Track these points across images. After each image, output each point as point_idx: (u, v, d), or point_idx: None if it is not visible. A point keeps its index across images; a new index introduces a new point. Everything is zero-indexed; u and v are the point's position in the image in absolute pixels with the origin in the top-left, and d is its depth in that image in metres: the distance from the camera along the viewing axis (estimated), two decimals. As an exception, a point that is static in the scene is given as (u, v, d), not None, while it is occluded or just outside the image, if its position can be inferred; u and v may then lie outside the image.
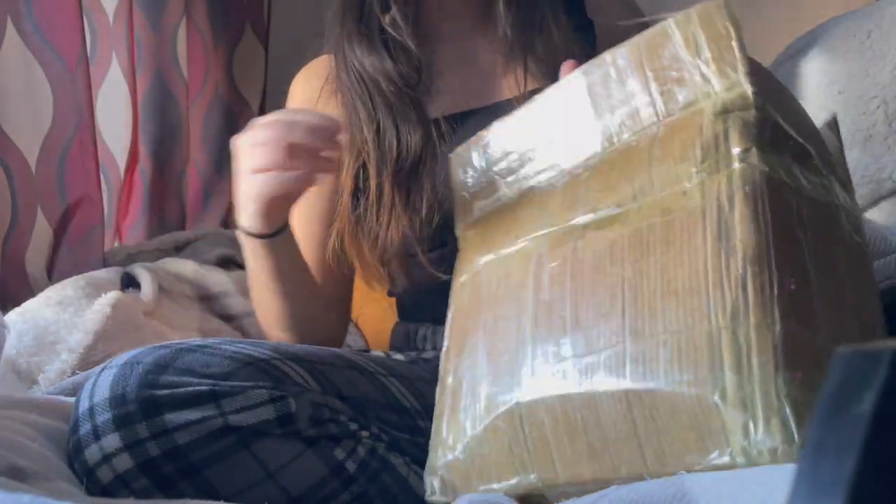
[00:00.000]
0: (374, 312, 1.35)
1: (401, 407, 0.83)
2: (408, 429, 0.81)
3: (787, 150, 0.58)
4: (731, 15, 0.59)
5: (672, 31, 0.61)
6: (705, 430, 0.51)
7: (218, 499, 0.68)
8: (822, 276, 0.55)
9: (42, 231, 1.20)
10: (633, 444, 0.55)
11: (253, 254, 0.89)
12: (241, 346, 0.75)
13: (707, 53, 0.59)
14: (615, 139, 0.65)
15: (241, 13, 1.68)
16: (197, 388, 0.68)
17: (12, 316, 0.99)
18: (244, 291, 1.26)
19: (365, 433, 0.78)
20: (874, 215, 1.21)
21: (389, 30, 0.97)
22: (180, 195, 1.55)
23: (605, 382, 0.56)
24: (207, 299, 1.23)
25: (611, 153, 0.65)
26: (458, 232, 0.79)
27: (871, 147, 1.17)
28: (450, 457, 0.67)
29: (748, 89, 0.58)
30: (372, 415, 0.79)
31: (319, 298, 0.98)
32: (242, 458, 0.69)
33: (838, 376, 0.32)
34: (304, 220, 0.98)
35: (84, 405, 0.68)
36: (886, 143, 1.15)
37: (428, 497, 0.70)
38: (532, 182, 0.71)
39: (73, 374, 0.90)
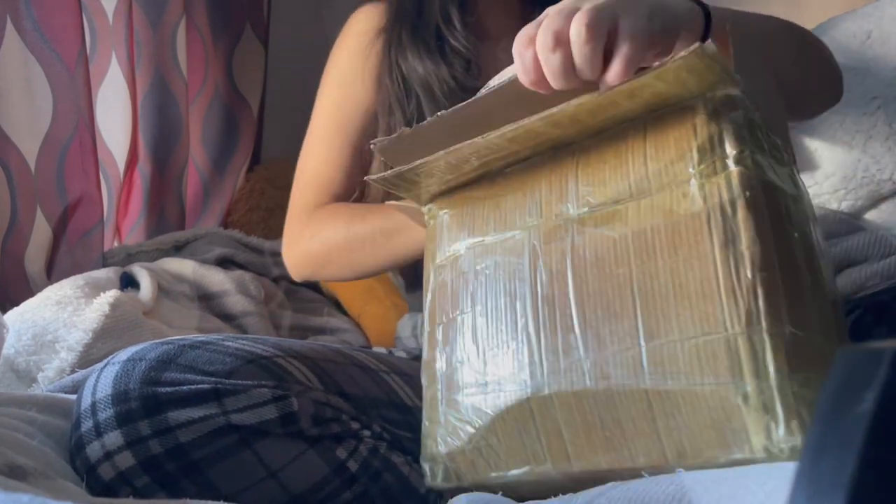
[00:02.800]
0: (377, 311, 1.35)
1: (402, 405, 0.82)
2: (409, 427, 0.81)
3: (766, 148, 0.61)
4: (710, 54, 0.58)
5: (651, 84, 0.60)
6: (727, 429, 0.54)
7: (219, 497, 0.68)
8: (809, 274, 0.59)
9: (41, 231, 1.20)
10: (653, 438, 0.57)
11: (413, 231, 0.94)
12: (243, 342, 0.75)
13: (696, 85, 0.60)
14: (599, 134, 0.65)
15: (241, 13, 1.68)
16: (199, 385, 0.68)
17: (11, 315, 0.99)
18: (243, 291, 1.26)
19: (367, 432, 0.78)
20: (874, 216, 1.21)
21: (447, 34, 0.99)
22: (180, 195, 1.55)
23: (623, 382, 0.58)
24: (207, 299, 1.23)
25: (595, 141, 0.65)
26: (425, 210, 0.76)
27: (871, 148, 1.17)
28: (454, 445, 0.68)
29: (736, 92, 0.60)
30: (374, 413, 0.79)
31: None
32: (244, 456, 0.69)
33: (839, 376, 0.32)
34: (336, 148, 1.06)
35: (86, 401, 0.68)
36: (887, 144, 1.15)
37: (429, 483, 0.70)
38: (507, 171, 0.71)
39: (73, 372, 0.90)
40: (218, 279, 1.25)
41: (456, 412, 0.68)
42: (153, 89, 1.48)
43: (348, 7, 1.80)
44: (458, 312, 0.70)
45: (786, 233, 0.59)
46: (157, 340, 0.72)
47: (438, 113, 0.70)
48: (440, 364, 0.70)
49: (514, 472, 0.65)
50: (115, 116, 1.42)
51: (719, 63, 0.58)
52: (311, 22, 1.95)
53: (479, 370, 0.66)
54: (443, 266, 0.73)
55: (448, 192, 0.75)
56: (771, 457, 0.52)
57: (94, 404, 0.67)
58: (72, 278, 1.07)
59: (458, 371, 0.68)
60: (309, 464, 0.73)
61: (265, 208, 1.59)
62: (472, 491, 0.68)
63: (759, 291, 0.55)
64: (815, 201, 1.22)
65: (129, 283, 1.17)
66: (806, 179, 1.23)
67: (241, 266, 1.37)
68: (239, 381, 0.70)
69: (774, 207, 0.58)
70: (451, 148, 0.69)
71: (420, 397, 0.83)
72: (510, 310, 0.66)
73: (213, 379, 0.69)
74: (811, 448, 0.31)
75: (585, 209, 0.64)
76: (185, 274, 1.24)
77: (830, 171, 1.20)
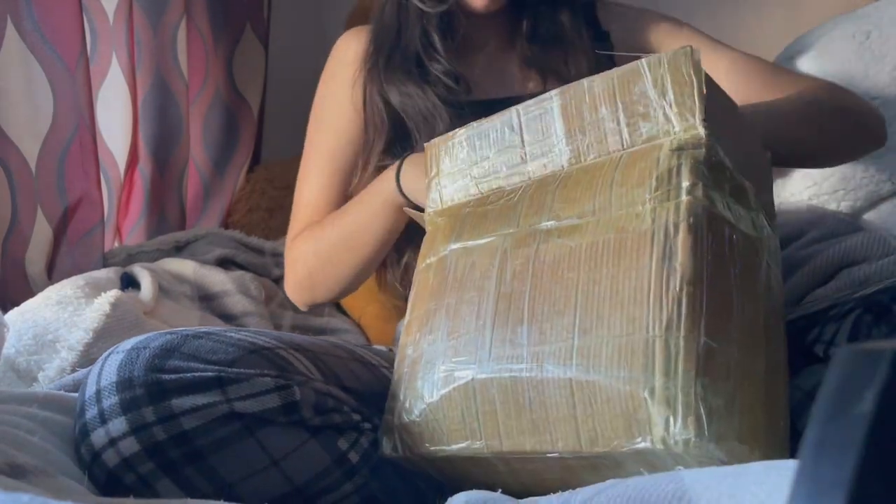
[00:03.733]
0: (377, 312, 1.35)
1: (402, 404, 0.83)
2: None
3: (726, 187, 0.68)
4: (695, 63, 0.68)
5: (644, 71, 0.70)
6: (633, 419, 0.61)
7: (222, 484, 0.69)
8: (743, 299, 0.65)
9: (42, 231, 1.20)
10: (571, 424, 0.64)
11: (386, 212, 0.97)
12: (245, 334, 0.76)
13: (671, 96, 0.69)
14: (582, 158, 0.74)
15: (241, 13, 1.68)
16: (203, 373, 0.69)
17: (12, 315, 1.00)
18: (244, 291, 1.26)
19: (367, 425, 0.79)
20: (873, 217, 1.21)
21: (427, 60, 1.02)
22: (180, 195, 1.55)
23: (553, 370, 0.65)
24: (207, 299, 1.23)
25: (577, 170, 0.74)
26: (427, 217, 0.85)
27: (870, 148, 1.17)
28: (406, 419, 0.74)
29: (702, 133, 0.67)
30: (374, 406, 0.79)
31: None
32: (247, 444, 0.70)
33: (839, 376, 0.32)
34: (328, 182, 1.09)
35: (91, 389, 0.69)
36: (886, 144, 1.15)
37: (382, 453, 0.76)
38: (503, 184, 0.79)
39: (73, 371, 0.90)
40: (218, 279, 1.25)
41: (414, 390, 0.75)
42: (153, 90, 1.48)
43: (348, 7, 1.80)
44: (433, 304, 0.77)
45: (723, 259, 0.65)
46: (160, 331, 0.73)
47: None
48: (410, 348, 0.77)
49: (454, 447, 0.71)
50: (115, 117, 1.42)
51: (696, 73, 0.68)
52: (311, 22, 1.95)
53: (440, 355, 0.73)
54: (430, 266, 0.81)
55: (447, 199, 0.84)
56: (667, 447, 0.58)
57: (98, 392, 0.68)
58: (72, 278, 1.07)
59: (424, 354, 0.75)
60: (311, 453, 0.74)
61: (265, 208, 1.59)
62: (415, 462, 0.75)
63: (684, 302, 0.61)
64: (815, 201, 1.22)
65: (129, 283, 1.17)
66: (805, 180, 1.23)
67: (241, 266, 1.37)
68: (242, 370, 0.70)
69: (717, 236, 0.65)
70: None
71: None
72: (475, 303, 0.73)
73: (216, 367, 0.70)
74: (811, 448, 0.31)
75: (553, 222, 0.72)
76: (186, 274, 1.24)
77: (830, 172, 1.20)
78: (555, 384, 0.65)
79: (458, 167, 0.83)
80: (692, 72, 0.68)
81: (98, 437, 0.67)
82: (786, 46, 1.34)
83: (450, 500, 0.68)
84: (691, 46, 0.68)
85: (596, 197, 0.70)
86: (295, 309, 1.36)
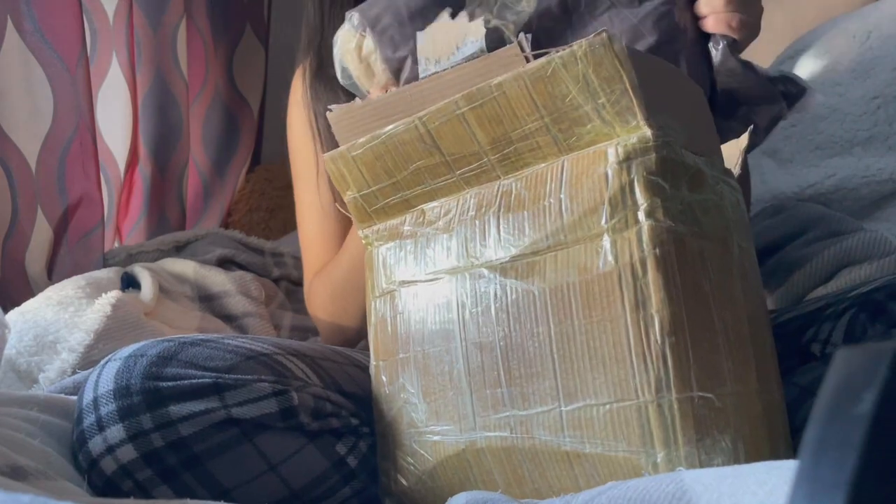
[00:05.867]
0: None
1: (401, 406, 0.83)
2: (408, 428, 0.81)
3: (684, 183, 0.61)
4: (618, 51, 0.59)
5: (560, 72, 0.60)
6: None
7: (220, 490, 0.69)
8: (725, 321, 0.60)
9: (42, 231, 1.20)
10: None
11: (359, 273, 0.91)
12: (243, 340, 0.76)
13: (603, 98, 0.60)
14: (517, 166, 0.66)
15: (241, 13, 1.68)
16: (200, 380, 0.69)
17: (13, 315, 0.99)
18: (244, 291, 1.26)
19: (366, 429, 0.78)
20: (874, 216, 1.21)
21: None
22: (180, 195, 1.55)
23: (546, 441, 0.61)
24: (207, 299, 1.23)
25: (515, 181, 0.66)
26: (360, 231, 0.78)
27: (871, 148, 1.18)
28: (404, 485, 0.72)
29: (649, 135, 0.59)
30: (373, 411, 0.79)
31: None
32: (245, 450, 0.70)
33: (838, 376, 0.32)
34: (320, 220, 1.06)
35: (88, 396, 0.69)
36: (887, 144, 1.15)
37: None
38: (433, 205, 0.72)
39: (74, 373, 0.90)
40: (219, 280, 1.25)
41: (402, 452, 0.72)
42: (153, 90, 1.48)
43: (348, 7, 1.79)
44: (398, 353, 0.72)
45: (698, 285, 0.59)
46: (156, 338, 0.73)
47: (394, 89, 0.72)
48: (386, 403, 0.74)
49: None
50: (115, 117, 1.43)
51: (623, 63, 0.58)
52: (311, 22, 1.95)
53: (420, 415, 0.70)
54: (381, 299, 0.75)
55: (376, 217, 0.75)
56: None
57: (96, 399, 0.68)
58: (73, 278, 1.07)
59: (403, 412, 0.72)
60: (309, 458, 0.74)
61: (266, 209, 1.59)
62: None
63: (669, 357, 0.57)
64: (816, 201, 1.22)
65: (129, 283, 1.17)
66: (805, 179, 1.23)
67: (241, 267, 1.37)
68: (239, 376, 0.70)
69: (687, 259, 0.59)
70: (372, 134, 0.70)
71: None
72: (445, 356, 0.68)
73: (213, 374, 0.70)
74: (811, 448, 0.31)
75: (506, 258, 0.65)
76: (187, 274, 1.24)
77: (830, 172, 1.20)
78: (551, 456, 0.62)
79: (377, 184, 0.73)
80: (618, 63, 0.59)
81: (95, 444, 0.67)
82: (787, 45, 1.34)
83: (450, 500, 0.68)
84: (606, 31, 0.59)
85: (546, 226, 0.63)
86: (295, 310, 1.36)
